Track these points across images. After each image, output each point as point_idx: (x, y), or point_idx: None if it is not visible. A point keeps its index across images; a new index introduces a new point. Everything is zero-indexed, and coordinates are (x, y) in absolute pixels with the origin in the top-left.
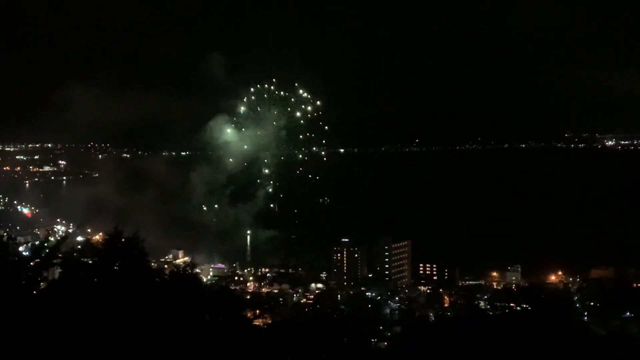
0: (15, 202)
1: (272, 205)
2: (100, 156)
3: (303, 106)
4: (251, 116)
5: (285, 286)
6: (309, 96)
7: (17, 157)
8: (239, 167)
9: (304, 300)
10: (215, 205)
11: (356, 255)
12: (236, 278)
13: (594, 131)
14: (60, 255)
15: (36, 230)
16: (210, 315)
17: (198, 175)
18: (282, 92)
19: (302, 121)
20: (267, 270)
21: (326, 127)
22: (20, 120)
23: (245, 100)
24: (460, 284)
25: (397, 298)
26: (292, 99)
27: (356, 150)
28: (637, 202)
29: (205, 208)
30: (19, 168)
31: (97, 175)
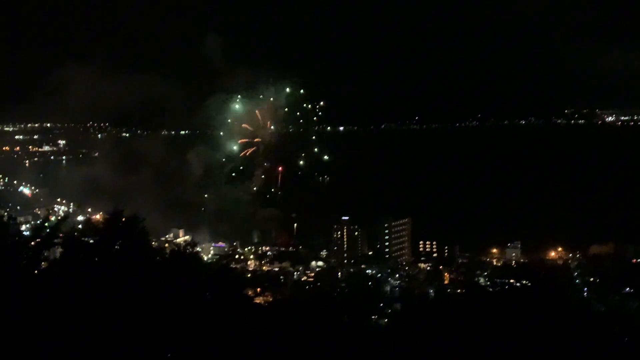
0: (15, 182)
1: (271, 184)
2: (99, 136)
3: (301, 85)
4: (249, 95)
5: (285, 264)
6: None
7: (16, 137)
8: (238, 145)
9: (305, 278)
10: (216, 184)
11: (356, 233)
12: (237, 257)
13: (594, 107)
14: (61, 235)
15: (36, 210)
16: (211, 293)
17: (197, 155)
18: (280, 71)
19: (300, 100)
20: (267, 248)
21: (323, 105)
22: (19, 100)
23: (243, 78)
24: (460, 261)
25: (397, 275)
26: (290, 78)
27: (355, 128)
28: (636, 179)
29: (205, 187)
30: (18, 148)
31: (96, 154)
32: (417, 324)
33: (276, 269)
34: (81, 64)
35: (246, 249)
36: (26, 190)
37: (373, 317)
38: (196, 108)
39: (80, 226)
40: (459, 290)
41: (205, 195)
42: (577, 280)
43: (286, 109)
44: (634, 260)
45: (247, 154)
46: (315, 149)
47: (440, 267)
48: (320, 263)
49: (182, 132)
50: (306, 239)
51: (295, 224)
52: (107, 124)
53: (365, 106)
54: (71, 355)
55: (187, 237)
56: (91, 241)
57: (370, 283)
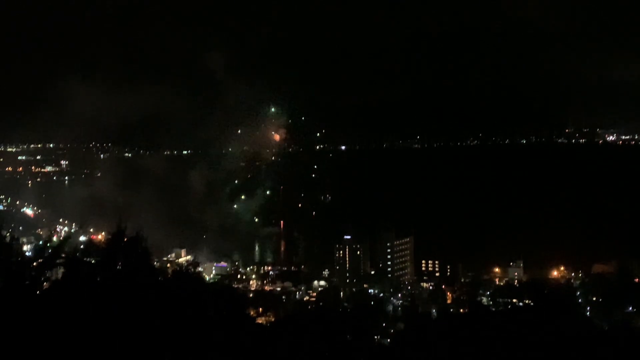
0: (18, 202)
1: (273, 203)
2: (102, 155)
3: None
4: (252, 114)
5: (287, 284)
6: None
7: (19, 157)
8: (240, 165)
9: (307, 298)
10: (217, 204)
11: (358, 252)
12: (239, 276)
13: (594, 126)
14: (63, 255)
15: (39, 231)
16: (213, 313)
17: (200, 174)
18: (282, 91)
19: (302, 119)
20: (269, 268)
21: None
22: (21, 120)
23: (245, 98)
24: (462, 280)
25: (399, 295)
26: (292, 98)
27: (357, 147)
28: (638, 197)
29: (207, 206)
30: (21, 169)
31: (99, 174)
32: (420, 344)
33: (278, 289)
34: (83, 85)
35: (248, 269)
36: (29, 211)
37: (376, 336)
38: (199, 128)
39: (82, 246)
40: (462, 310)
41: (208, 215)
42: (580, 300)
43: (288, 129)
44: (638, 279)
45: (249, 173)
46: (317, 168)
47: (443, 286)
48: (322, 282)
49: (185, 152)
50: (308, 258)
51: (297, 243)
52: (109, 144)
53: (367, 125)
54: None
55: (189, 257)
56: (93, 261)
57: (373, 302)
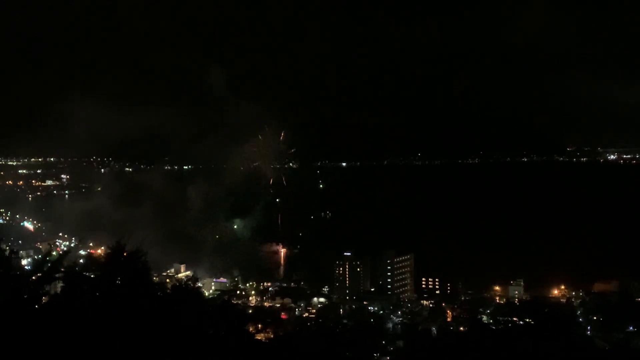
0: (17, 216)
1: (273, 219)
2: (102, 170)
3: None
4: (252, 131)
5: (287, 300)
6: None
7: (19, 171)
8: (241, 181)
9: (307, 314)
10: (217, 219)
11: (358, 269)
12: (238, 292)
13: (595, 145)
14: (62, 269)
15: (38, 245)
16: (212, 329)
17: (200, 189)
18: (283, 107)
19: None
20: (269, 284)
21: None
22: (22, 134)
23: (246, 114)
24: (463, 298)
25: (399, 312)
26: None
27: (358, 163)
28: (639, 216)
29: (206, 222)
30: (21, 182)
31: (99, 189)
32: None
33: (278, 305)
34: (84, 99)
35: (248, 284)
36: (28, 225)
37: (376, 354)
38: (199, 143)
39: (81, 261)
40: (462, 328)
41: (207, 231)
42: (581, 318)
43: (288, 145)
44: (638, 298)
45: (249, 189)
46: (317, 185)
47: (443, 304)
48: (322, 299)
49: (185, 167)
50: (308, 274)
51: (297, 259)
52: (110, 159)
53: (368, 142)
54: None
55: (188, 272)
56: (92, 276)
57: (372, 319)
